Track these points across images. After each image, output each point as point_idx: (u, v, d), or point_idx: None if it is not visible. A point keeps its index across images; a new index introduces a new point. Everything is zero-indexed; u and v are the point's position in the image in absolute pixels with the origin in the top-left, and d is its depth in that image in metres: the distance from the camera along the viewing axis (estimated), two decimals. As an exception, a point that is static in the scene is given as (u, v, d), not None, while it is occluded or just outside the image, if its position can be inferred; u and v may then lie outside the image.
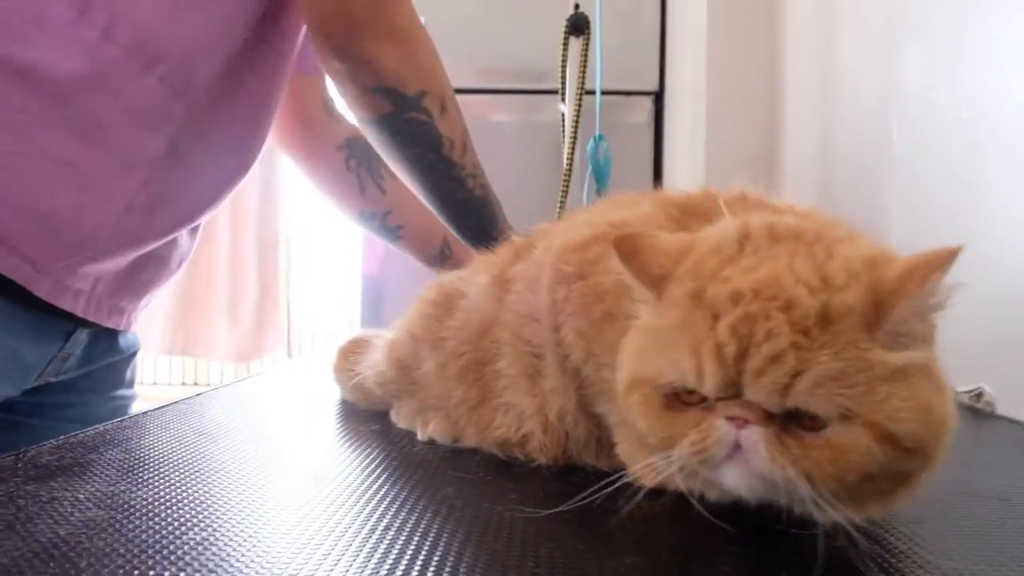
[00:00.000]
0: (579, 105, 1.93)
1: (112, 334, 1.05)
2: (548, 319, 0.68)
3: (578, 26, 1.94)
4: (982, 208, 1.10)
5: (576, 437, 0.70)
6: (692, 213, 0.69)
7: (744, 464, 0.50)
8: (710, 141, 2.04)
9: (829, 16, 1.71)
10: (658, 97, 2.53)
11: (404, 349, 0.83)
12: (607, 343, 0.62)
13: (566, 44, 1.95)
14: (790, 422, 0.49)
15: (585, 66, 1.94)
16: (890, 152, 1.37)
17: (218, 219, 2.34)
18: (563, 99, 2.01)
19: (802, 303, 0.50)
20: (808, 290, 0.50)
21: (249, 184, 2.39)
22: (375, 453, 0.75)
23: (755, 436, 0.49)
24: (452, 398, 0.76)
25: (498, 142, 2.39)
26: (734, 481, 0.51)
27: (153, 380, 2.99)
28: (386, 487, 0.62)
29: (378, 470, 0.68)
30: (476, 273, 0.83)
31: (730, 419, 0.50)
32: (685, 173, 2.21)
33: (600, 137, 1.90)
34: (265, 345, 2.56)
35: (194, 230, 1.11)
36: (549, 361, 0.69)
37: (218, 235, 2.30)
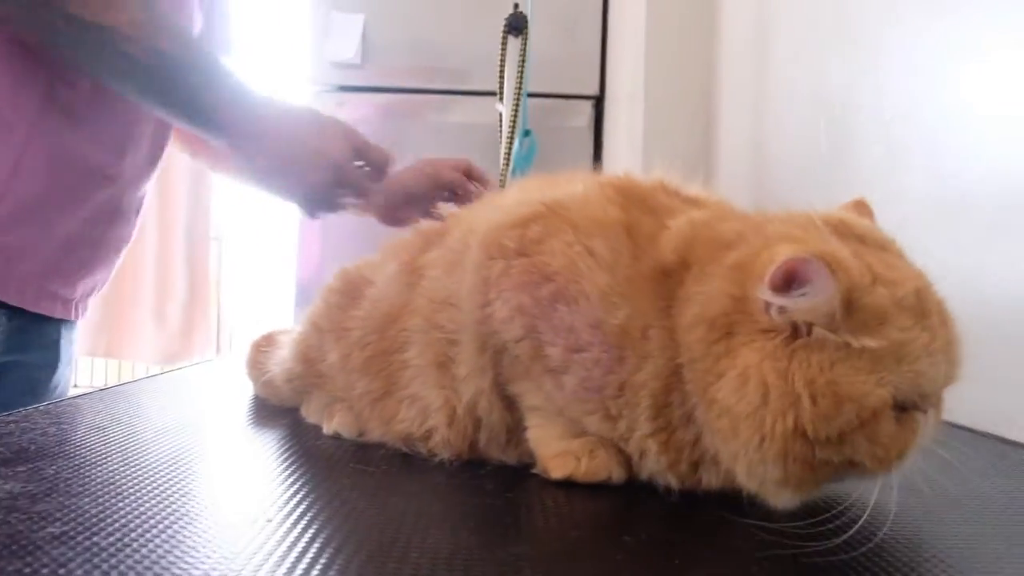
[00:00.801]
0: (516, 105, 1.91)
1: (44, 328, 1.00)
2: (474, 297, 0.66)
3: (516, 26, 1.93)
4: (902, 207, 1.12)
5: (489, 425, 0.68)
6: (630, 196, 0.68)
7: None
8: (647, 145, 2.05)
9: (762, 21, 1.73)
10: (598, 101, 2.53)
11: (309, 341, 0.80)
12: (556, 323, 0.63)
13: (504, 44, 1.94)
14: None
15: (523, 66, 1.93)
16: (817, 154, 1.39)
17: (145, 215, 2.26)
18: (501, 99, 1.99)
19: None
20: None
21: (178, 179, 2.32)
22: (277, 447, 0.72)
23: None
24: (355, 390, 0.74)
25: (439, 142, 2.37)
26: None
27: (74, 383, 2.86)
28: (281, 480, 0.59)
29: (277, 464, 0.65)
30: (384, 261, 0.80)
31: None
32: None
33: (526, 132, 1.88)
34: (193, 347, 2.48)
35: (134, 212, 1.07)
36: (465, 346, 0.68)
37: (145, 231, 2.23)
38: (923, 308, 0.58)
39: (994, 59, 0.95)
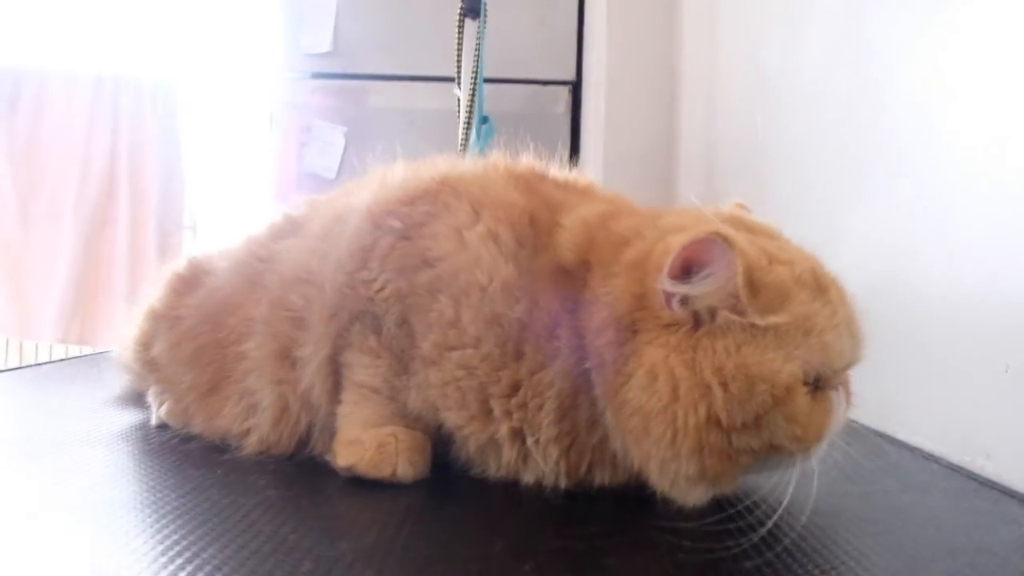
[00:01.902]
0: (473, 89, 1.88)
1: None
2: (349, 261, 0.64)
3: (474, 8, 1.90)
4: (838, 188, 1.08)
5: (322, 415, 0.66)
6: (523, 182, 0.68)
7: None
8: (609, 131, 2.02)
9: (713, 6, 1.69)
10: (575, 87, 2.49)
11: (144, 325, 0.79)
12: (433, 317, 0.60)
13: (461, 27, 1.91)
14: None
15: (480, 50, 1.89)
16: (753, 137, 1.35)
17: (117, 202, 2.28)
18: (458, 84, 1.97)
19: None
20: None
21: (151, 169, 2.33)
22: (102, 431, 0.71)
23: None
24: (182, 383, 0.72)
25: (407, 129, 2.35)
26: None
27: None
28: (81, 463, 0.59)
29: (84, 448, 0.64)
30: (235, 250, 0.78)
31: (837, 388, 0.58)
32: (593, 162, 2.18)
33: (484, 119, 1.86)
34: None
35: None
36: (315, 315, 0.66)
37: (118, 220, 2.24)
38: (821, 284, 0.58)
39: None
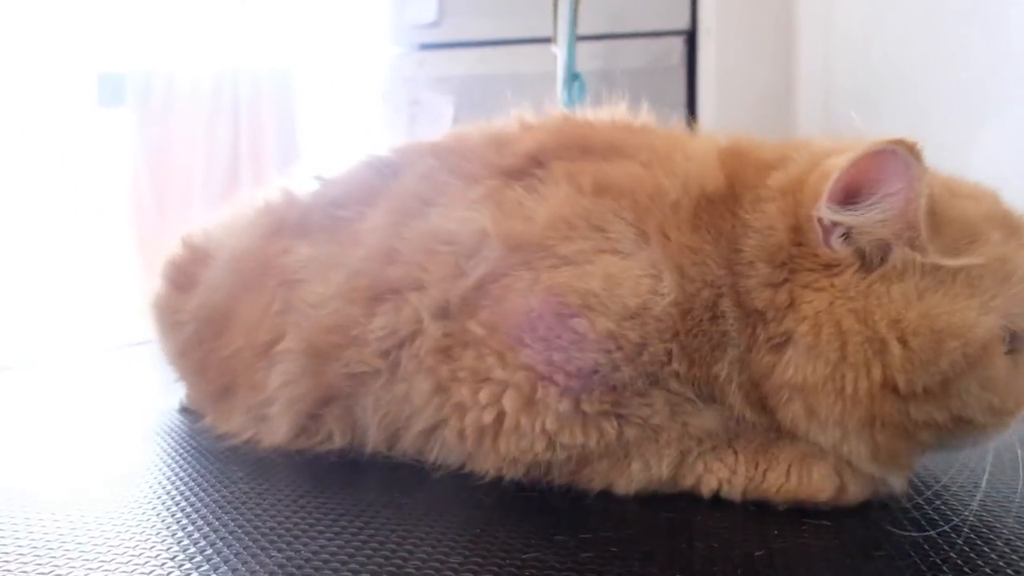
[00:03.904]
0: (570, 48, 1.81)
1: None
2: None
3: (568, -38, 1.82)
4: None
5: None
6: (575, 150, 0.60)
7: None
8: (721, 80, 1.89)
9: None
10: (691, 36, 2.35)
11: (151, 321, 0.78)
12: (592, 338, 0.51)
13: (556, -15, 1.83)
14: None
15: (578, 6, 1.81)
16: (870, 74, 1.20)
17: (240, 186, 2.37)
18: (555, 42, 1.90)
19: None
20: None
21: (270, 151, 2.41)
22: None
23: None
24: (194, 386, 0.73)
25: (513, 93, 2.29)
26: None
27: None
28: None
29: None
30: (234, 232, 0.73)
31: None
32: (707, 114, 2.05)
33: (575, 76, 1.78)
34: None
35: None
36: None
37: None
38: (1012, 224, 0.48)
39: None
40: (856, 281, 0.47)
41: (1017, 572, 0.42)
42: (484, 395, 0.54)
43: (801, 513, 0.51)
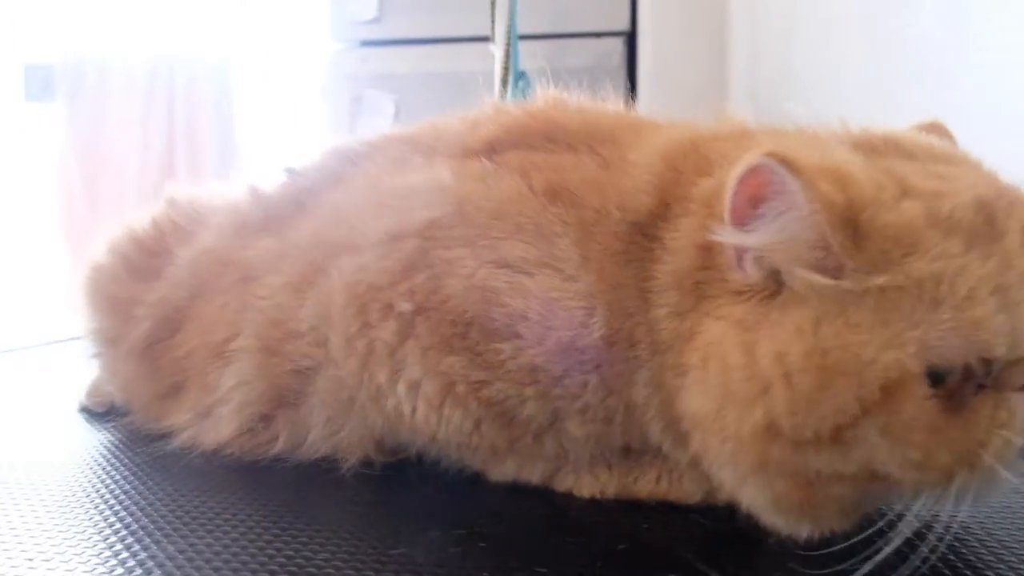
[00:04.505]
0: (507, 46, 1.81)
1: None
2: (359, 376, 0.55)
3: (505, -39, 1.82)
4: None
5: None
6: (536, 140, 0.57)
7: None
8: (657, 81, 1.91)
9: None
10: (630, 38, 2.37)
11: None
12: (511, 368, 0.49)
13: (493, -17, 1.83)
14: None
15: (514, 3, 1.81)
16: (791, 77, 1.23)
17: (176, 182, 2.33)
18: (494, 41, 1.89)
19: None
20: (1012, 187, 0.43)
21: (207, 146, 2.37)
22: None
23: None
24: (137, 386, 0.69)
25: (455, 92, 2.29)
26: (1010, 481, 0.38)
27: None
28: None
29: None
30: (211, 217, 0.70)
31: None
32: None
33: (520, 75, 1.78)
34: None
35: None
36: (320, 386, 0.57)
37: None
38: (989, 225, 0.38)
39: None
40: (756, 310, 0.41)
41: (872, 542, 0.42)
42: (403, 387, 0.53)
43: (673, 508, 0.51)
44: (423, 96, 2.29)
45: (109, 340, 0.72)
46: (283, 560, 0.45)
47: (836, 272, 0.39)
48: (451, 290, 0.51)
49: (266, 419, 0.61)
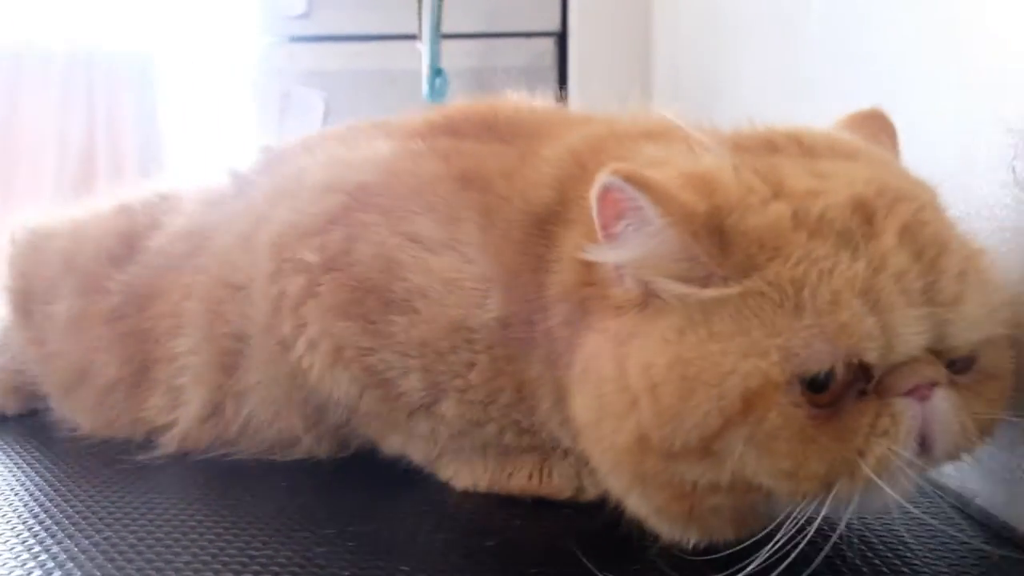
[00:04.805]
0: (434, 44, 1.81)
1: None
2: (270, 325, 0.57)
3: (432, -42, 1.81)
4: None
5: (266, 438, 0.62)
6: (464, 129, 0.59)
7: (930, 452, 0.38)
8: (582, 81, 1.94)
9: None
10: (561, 38, 2.38)
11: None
12: (400, 341, 0.51)
13: (420, -19, 1.82)
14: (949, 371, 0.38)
15: (442, 3, 1.81)
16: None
17: (97, 177, 2.26)
18: (420, 39, 1.89)
19: (926, 197, 0.41)
20: (911, 185, 0.41)
21: (129, 141, 2.31)
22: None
23: (944, 404, 0.37)
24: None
25: (385, 90, 2.27)
26: (905, 490, 0.38)
27: None
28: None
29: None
30: (168, 208, 0.72)
31: (911, 392, 0.36)
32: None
33: (437, 72, 1.78)
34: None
35: None
36: (256, 352, 0.58)
37: (98, 194, 2.23)
38: (866, 225, 0.37)
39: None
40: (629, 322, 0.40)
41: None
42: (303, 343, 0.54)
43: (547, 504, 0.52)
44: (353, 93, 2.27)
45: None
46: (143, 564, 0.44)
47: (706, 281, 0.38)
48: (360, 254, 0.53)
49: (219, 392, 0.61)
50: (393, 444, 0.58)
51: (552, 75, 2.38)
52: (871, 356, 0.35)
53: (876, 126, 0.50)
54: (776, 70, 0.97)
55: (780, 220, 0.37)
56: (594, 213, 0.41)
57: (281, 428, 0.60)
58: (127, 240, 0.72)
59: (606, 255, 0.41)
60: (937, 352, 0.37)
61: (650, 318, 0.39)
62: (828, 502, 0.37)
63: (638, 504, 0.43)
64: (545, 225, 0.49)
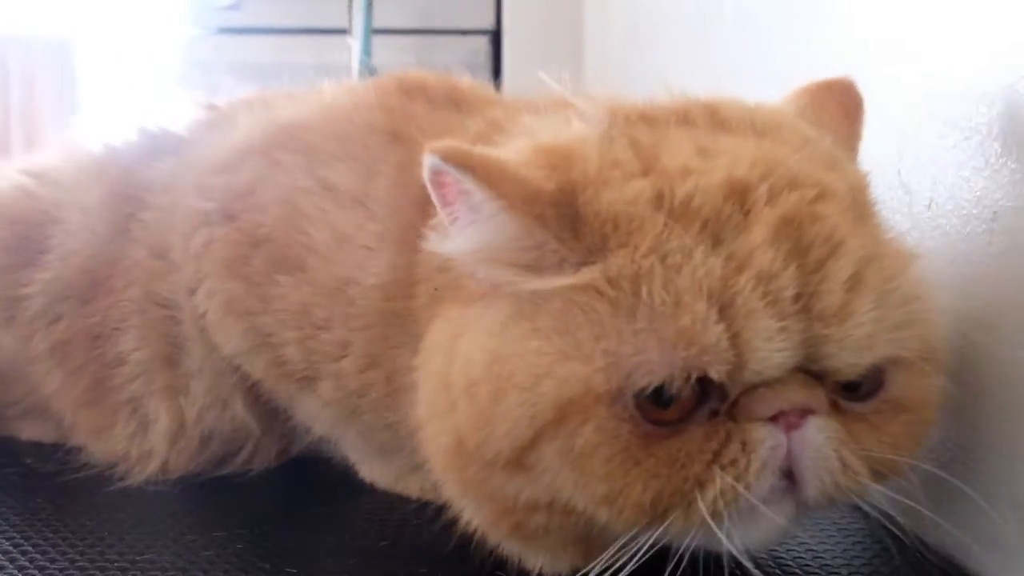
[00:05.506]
0: (366, 39, 1.79)
1: None
2: (188, 285, 0.54)
3: (363, -48, 1.80)
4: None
5: (223, 437, 0.57)
6: (416, 91, 0.57)
7: (800, 490, 0.31)
8: (513, 81, 1.94)
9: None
10: (496, 36, 2.38)
11: None
12: (281, 306, 0.48)
13: (349, -28, 1.80)
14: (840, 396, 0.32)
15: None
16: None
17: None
18: (351, 34, 1.88)
19: (834, 187, 0.32)
20: (821, 171, 0.34)
21: (46, 130, 2.23)
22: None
23: (819, 436, 0.31)
24: (49, 386, 0.60)
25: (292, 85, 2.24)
26: (770, 528, 0.32)
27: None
28: None
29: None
30: (79, 179, 0.63)
31: (776, 418, 0.30)
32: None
33: (371, 71, 1.77)
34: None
35: None
36: (190, 330, 0.54)
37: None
38: (739, 214, 0.31)
39: None
40: (470, 314, 0.36)
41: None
42: (202, 293, 0.52)
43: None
44: (281, 87, 2.23)
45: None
46: (25, 563, 0.42)
47: (557, 268, 0.32)
48: (263, 197, 0.50)
49: (172, 393, 0.56)
50: (302, 417, 0.55)
51: (486, 73, 2.38)
52: (715, 372, 0.29)
53: (837, 97, 0.43)
54: (692, 69, 0.99)
55: (638, 199, 0.32)
56: (434, 200, 0.36)
57: (233, 417, 0.56)
58: (24, 238, 0.62)
59: (441, 245, 0.36)
60: (818, 374, 0.31)
61: (482, 309, 0.34)
62: (666, 535, 0.32)
63: (472, 515, 0.37)
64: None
